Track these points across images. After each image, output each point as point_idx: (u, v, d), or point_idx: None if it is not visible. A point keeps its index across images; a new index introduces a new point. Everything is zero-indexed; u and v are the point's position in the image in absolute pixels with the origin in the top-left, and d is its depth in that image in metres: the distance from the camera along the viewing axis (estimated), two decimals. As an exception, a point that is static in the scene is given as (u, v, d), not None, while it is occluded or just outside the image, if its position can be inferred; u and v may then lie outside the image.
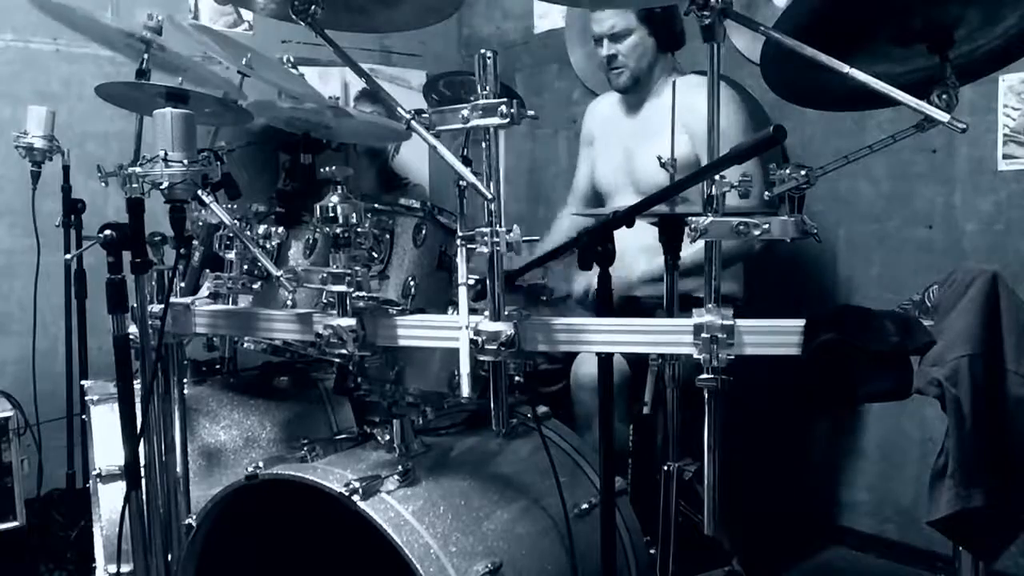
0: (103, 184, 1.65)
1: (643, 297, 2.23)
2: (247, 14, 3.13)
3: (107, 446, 1.95)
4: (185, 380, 1.93)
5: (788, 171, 1.23)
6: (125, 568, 1.76)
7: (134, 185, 1.50)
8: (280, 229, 1.68)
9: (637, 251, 2.03)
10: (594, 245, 1.34)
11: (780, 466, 2.74)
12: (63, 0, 2.14)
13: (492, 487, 1.64)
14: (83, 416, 2.12)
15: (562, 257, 1.51)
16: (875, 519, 2.62)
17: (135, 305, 1.60)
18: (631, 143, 2.41)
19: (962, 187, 2.37)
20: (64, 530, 2.44)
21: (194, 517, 1.64)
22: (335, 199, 1.41)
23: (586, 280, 2.19)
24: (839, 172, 1.31)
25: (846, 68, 1.18)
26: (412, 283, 1.60)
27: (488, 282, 1.30)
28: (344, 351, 1.43)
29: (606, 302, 1.36)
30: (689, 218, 1.28)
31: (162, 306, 1.60)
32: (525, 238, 1.29)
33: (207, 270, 1.84)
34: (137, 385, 1.61)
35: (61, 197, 2.47)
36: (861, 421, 2.64)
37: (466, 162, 1.38)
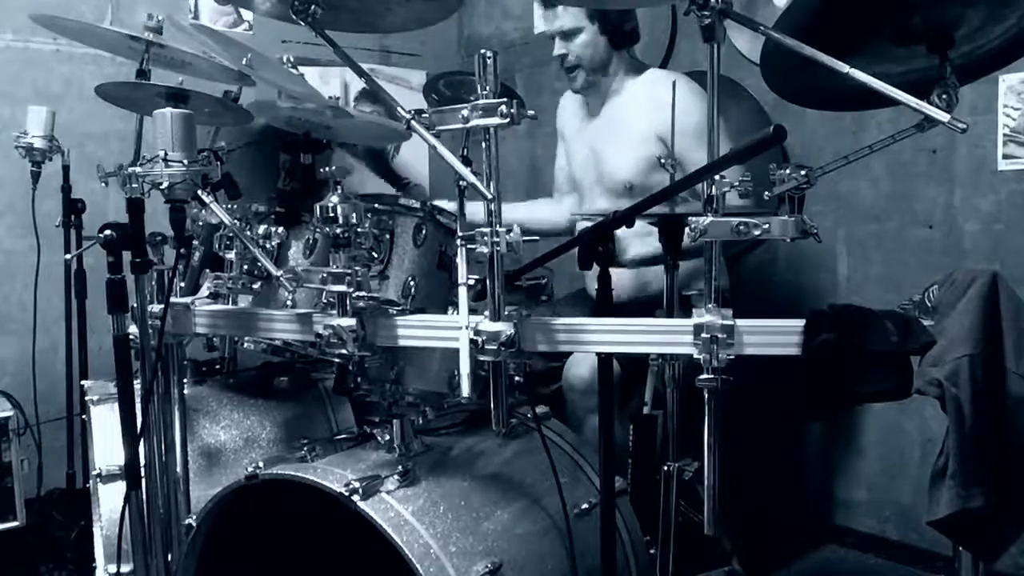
0: (103, 184, 1.65)
1: (630, 299, 2.24)
2: (247, 14, 3.13)
3: (107, 446, 1.95)
4: (185, 380, 1.93)
5: (788, 171, 1.23)
6: (125, 568, 1.76)
7: (134, 185, 1.50)
8: (280, 229, 1.67)
9: (630, 235, 2.03)
10: (594, 245, 1.34)
11: (780, 466, 2.74)
12: (61, 14, 2.14)
13: (492, 487, 1.64)
14: (83, 416, 2.12)
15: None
16: (875, 519, 2.62)
17: (135, 305, 1.60)
18: (596, 142, 2.41)
19: (962, 187, 2.37)
20: (64, 530, 2.44)
21: (194, 517, 1.64)
22: (335, 199, 1.41)
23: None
24: (839, 172, 1.31)
25: (846, 68, 1.18)
26: (412, 283, 1.60)
27: (488, 282, 1.30)
28: (344, 351, 1.43)
29: (606, 302, 1.36)
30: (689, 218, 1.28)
31: (162, 306, 1.60)
32: (525, 238, 1.29)
33: (207, 270, 1.84)
34: (137, 385, 1.61)
35: (61, 197, 2.47)
36: (861, 421, 2.64)
37: (466, 162, 1.38)
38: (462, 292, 1.34)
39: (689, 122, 1.90)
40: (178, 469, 1.76)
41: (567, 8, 2.26)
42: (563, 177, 2.65)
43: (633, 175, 2.26)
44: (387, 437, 1.69)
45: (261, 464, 1.57)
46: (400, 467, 1.55)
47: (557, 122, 2.66)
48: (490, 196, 1.27)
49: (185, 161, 1.47)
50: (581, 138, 2.48)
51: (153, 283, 1.73)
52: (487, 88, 1.26)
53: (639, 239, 2.18)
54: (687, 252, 1.68)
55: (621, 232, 1.38)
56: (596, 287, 1.37)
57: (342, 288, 1.41)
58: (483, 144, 1.28)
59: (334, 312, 1.43)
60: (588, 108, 2.46)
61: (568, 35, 2.30)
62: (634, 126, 2.26)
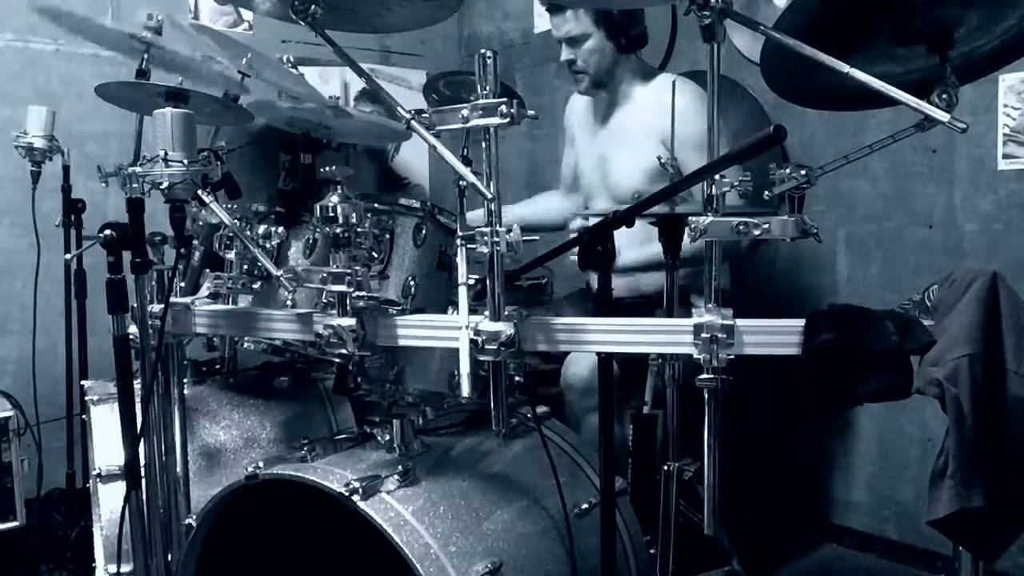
0: (103, 184, 1.65)
1: (627, 298, 2.23)
2: (247, 14, 3.13)
3: (107, 446, 1.95)
4: (185, 380, 1.93)
5: (788, 171, 1.23)
6: (125, 568, 1.76)
7: (134, 185, 1.50)
8: (280, 229, 1.67)
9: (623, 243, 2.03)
10: (594, 245, 1.34)
11: (780, 465, 2.74)
12: (63, 6, 2.14)
13: (492, 487, 1.64)
14: (83, 416, 2.12)
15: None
16: (875, 518, 2.62)
17: (135, 305, 1.60)
18: (604, 150, 2.41)
19: (962, 187, 2.37)
20: (64, 530, 2.44)
21: (194, 517, 1.64)
22: (335, 199, 1.41)
23: None
24: (839, 172, 1.31)
25: (846, 68, 1.18)
26: (412, 283, 1.60)
27: (488, 282, 1.30)
28: (344, 351, 1.43)
29: (606, 301, 1.36)
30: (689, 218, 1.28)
31: (162, 306, 1.60)
32: (525, 238, 1.29)
33: (207, 270, 1.84)
34: (137, 385, 1.61)
35: (61, 197, 2.47)
36: (860, 421, 2.64)
37: (466, 162, 1.38)
38: (462, 292, 1.34)
39: (692, 132, 1.90)
40: (178, 469, 1.76)
41: (575, 14, 2.26)
42: (570, 175, 2.65)
43: (641, 183, 2.25)
44: (387, 437, 1.69)
45: (261, 464, 1.57)
46: (400, 467, 1.55)
47: (565, 122, 2.65)
48: (490, 196, 1.27)
49: (185, 161, 1.47)
50: (590, 143, 2.48)
51: (153, 283, 1.73)
52: (487, 88, 1.26)
53: (631, 247, 2.18)
54: (686, 261, 1.68)
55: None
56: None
57: (342, 288, 1.41)
58: (483, 144, 1.28)
59: (334, 312, 1.43)
60: (597, 114, 2.46)
61: (575, 41, 2.30)
62: (642, 133, 2.26)
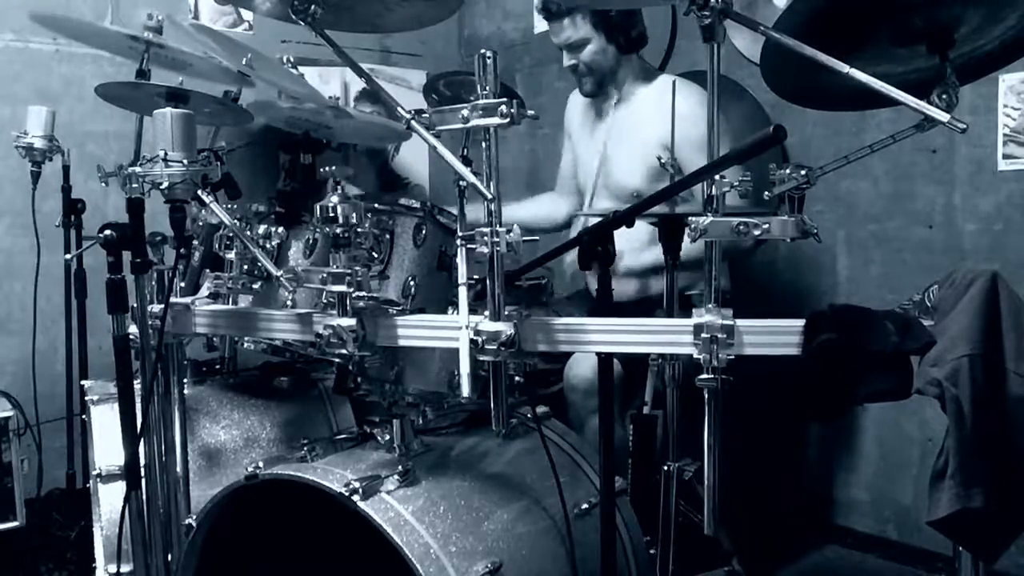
0: (103, 184, 1.65)
1: (626, 300, 2.23)
2: (247, 14, 3.13)
3: (107, 446, 1.95)
4: (185, 380, 1.93)
5: (788, 171, 1.23)
6: (125, 568, 1.76)
7: (134, 185, 1.50)
8: (280, 229, 1.68)
9: (624, 248, 2.02)
10: (594, 245, 1.34)
11: (780, 466, 2.74)
12: (61, 11, 2.14)
13: (492, 487, 1.64)
14: (83, 416, 2.12)
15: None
16: (875, 519, 2.62)
17: (135, 305, 1.60)
18: (605, 148, 2.41)
19: (962, 187, 2.37)
20: (64, 530, 2.44)
21: (194, 517, 1.64)
22: (335, 199, 1.41)
23: None
24: (839, 172, 1.31)
25: (846, 68, 1.18)
26: (412, 283, 1.60)
27: (488, 282, 1.30)
28: (344, 351, 1.43)
29: (606, 301, 1.36)
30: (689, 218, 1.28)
31: (162, 306, 1.60)
32: (525, 238, 1.29)
33: (207, 270, 1.84)
34: (137, 385, 1.61)
35: (61, 197, 2.47)
36: (861, 421, 2.64)
37: (466, 162, 1.38)
38: (462, 292, 1.34)
39: (693, 133, 1.90)
40: (178, 469, 1.76)
41: (572, 20, 2.27)
42: (568, 174, 2.65)
43: (641, 183, 2.26)
44: (387, 437, 1.69)
45: (261, 464, 1.57)
46: (400, 467, 1.55)
47: (565, 120, 2.66)
48: (490, 196, 1.27)
49: (185, 161, 1.47)
50: (589, 142, 2.48)
51: (153, 283, 1.72)
52: (487, 88, 1.26)
53: (632, 252, 2.18)
54: (687, 263, 1.68)
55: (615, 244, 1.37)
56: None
57: (342, 288, 1.41)
58: (483, 144, 1.28)
59: (334, 312, 1.43)
60: (596, 111, 2.46)
61: (576, 47, 2.30)
62: (644, 135, 2.27)
